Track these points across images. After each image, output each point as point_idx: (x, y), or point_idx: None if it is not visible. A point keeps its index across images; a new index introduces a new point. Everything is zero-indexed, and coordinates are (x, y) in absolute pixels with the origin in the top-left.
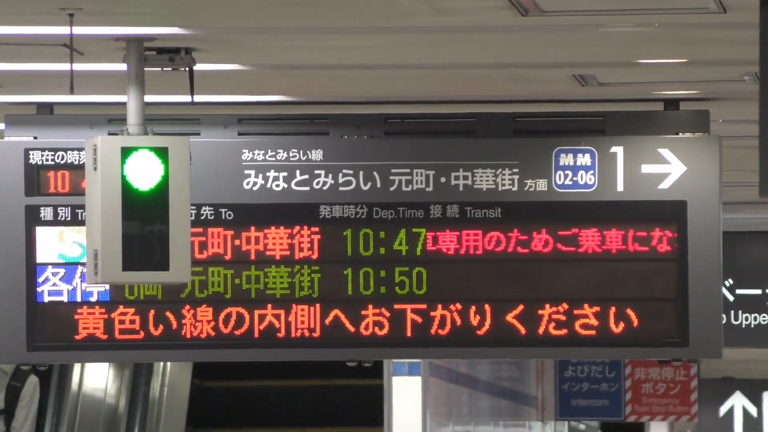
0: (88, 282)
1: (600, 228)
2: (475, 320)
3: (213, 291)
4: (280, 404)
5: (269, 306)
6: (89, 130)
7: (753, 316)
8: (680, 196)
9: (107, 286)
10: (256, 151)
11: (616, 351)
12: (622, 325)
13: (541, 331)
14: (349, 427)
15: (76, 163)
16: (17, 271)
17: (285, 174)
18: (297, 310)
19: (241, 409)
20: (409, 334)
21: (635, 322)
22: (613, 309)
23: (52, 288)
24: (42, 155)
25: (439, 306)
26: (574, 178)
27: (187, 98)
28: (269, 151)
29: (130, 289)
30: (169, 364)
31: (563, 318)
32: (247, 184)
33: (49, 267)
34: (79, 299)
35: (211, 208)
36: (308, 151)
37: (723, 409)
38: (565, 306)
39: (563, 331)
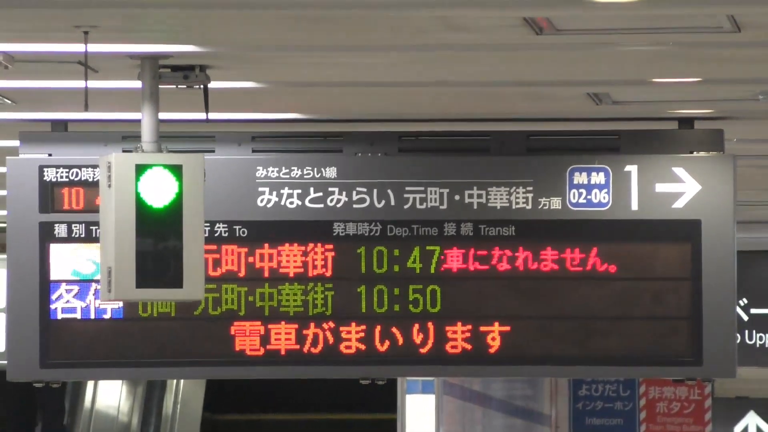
0: (101, 299)
1: (614, 247)
2: (489, 338)
3: (226, 308)
4: None
5: (283, 322)
6: (104, 147)
7: (767, 335)
8: (694, 215)
9: (121, 304)
10: (270, 169)
11: (631, 370)
12: (636, 343)
13: (555, 349)
14: None
15: (91, 180)
16: (31, 288)
17: (299, 191)
18: (311, 328)
19: None
20: (423, 351)
21: (649, 341)
22: (627, 327)
23: (65, 305)
24: (56, 172)
25: (454, 324)
26: (588, 197)
27: (201, 115)
28: (283, 168)
29: (143, 307)
30: (182, 381)
31: (577, 336)
32: (261, 201)
33: (63, 284)
34: (92, 316)
35: (225, 225)
36: (322, 169)
37: (737, 429)
38: (579, 324)
39: (577, 350)
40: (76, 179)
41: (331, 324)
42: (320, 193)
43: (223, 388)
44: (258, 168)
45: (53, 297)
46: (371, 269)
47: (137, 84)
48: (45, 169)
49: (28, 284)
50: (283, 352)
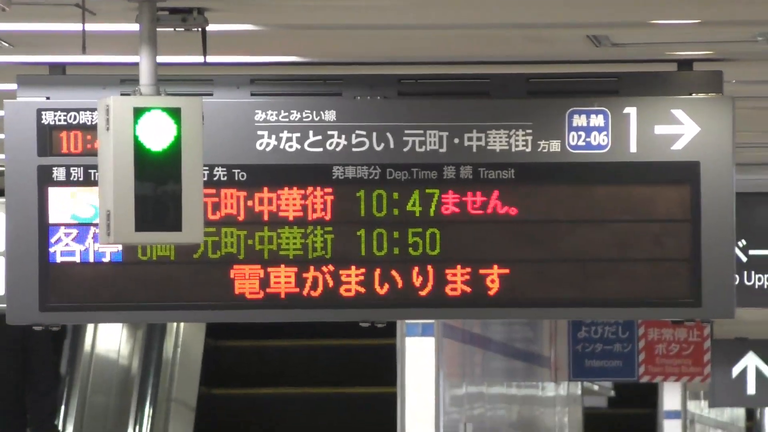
0: (100, 242)
1: (613, 189)
2: (488, 281)
3: (226, 252)
4: (295, 364)
5: (282, 266)
6: (102, 90)
7: (766, 276)
8: (693, 156)
9: (120, 247)
10: (269, 112)
11: (630, 311)
12: (635, 285)
13: (554, 291)
14: (364, 387)
15: (89, 123)
16: (30, 232)
17: (298, 135)
18: (310, 271)
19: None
20: (422, 294)
21: (648, 283)
22: (626, 269)
23: (64, 248)
24: (54, 115)
25: (453, 267)
26: (588, 139)
27: (199, 59)
28: (282, 111)
29: (142, 250)
30: (182, 324)
31: (576, 278)
32: (260, 144)
33: (62, 227)
34: (91, 260)
35: (224, 169)
36: (321, 112)
37: (736, 370)
38: (578, 266)
39: (576, 292)
40: (74, 122)
41: (331, 267)
42: (319, 137)
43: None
44: (257, 111)
45: (52, 240)
46: (371, 213)
47: (135, 27)
48: (43, 113)
49: (27, 228)
50: (282, 296)
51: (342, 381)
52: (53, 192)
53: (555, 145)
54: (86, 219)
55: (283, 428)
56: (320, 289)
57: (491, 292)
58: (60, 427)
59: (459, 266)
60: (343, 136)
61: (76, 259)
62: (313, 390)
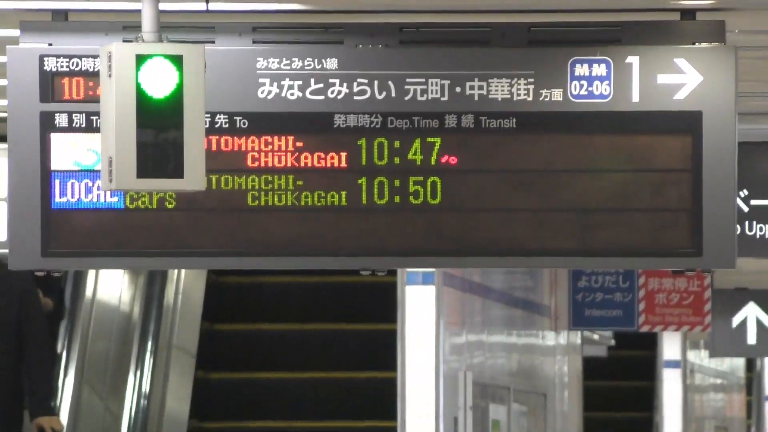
0: (102, 189)
1: (615, 138)
2: (489, 229)
3: (229, 199)
4: (296, 300)
5: (284, 214)
6: (104, 37)
7: (767, 226)
8: (696, 106)
9: (122, 194)
10: (271, 60)
11: (630, 261)
12: (635, 235)
13: (554, 240)
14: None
15: (91, 70)
16: (32, 178)
17: (300, 83)
18: (311, 219)
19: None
20: (423, 243)
21: (649, 232)
22: (626, 219)
23: (66, 194)
24: (57, 62)
25: (453, 215)
26: (590, 89)
27: (202, 6)
28: (284, 59)
29: (144, 196)
30: (182, 272)
31: (577, 228)
32: (262, 92)
33: (64, 174)
34: (93, 206)
35: (226, 117)
36: (323, 60)
37: (736, 320)
38: (579, 216)
39: (577, 241)
40: (76, 69)
41: (331, 215)
42: (321, 85)
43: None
44: (259, 59)
45: (54, 186)
46: (372, 161)
47: None
48: (45, 59)
49: (29, 174)
50: (283, 243)
51: (342, 318)
52: (55, 138)
53: (557, 95)
54: (88, 165)
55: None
56: (320, 236)
57: (492, 241)
58: (61, 374)
59: (459, 215)
60: (345, 84)
61: (78, 205)
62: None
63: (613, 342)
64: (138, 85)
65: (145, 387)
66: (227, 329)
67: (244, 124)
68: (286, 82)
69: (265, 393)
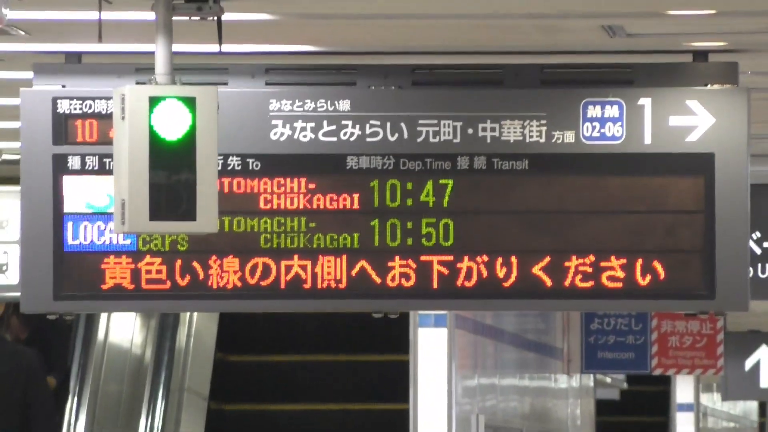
0: (115, 231)
1: (627, 180)
2: (501, 272)
3: (244, 241)
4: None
5: (296, 257)
6: (117, 79)
7: None
8: (708, 148)
9: (135, 236)
10: (284, 101)
11: (643, 303)
12: (648, 277)
13: (567, 283)
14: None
15: (104, 112)
16: (44, 220)
17: (312, 124)
18: (323, 261)
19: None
20: (435, 285)
21: (662, 275)
22: (639, 261)
23: (79, 237)
24: (70, 104)
25: (466, 258)
26: (602, 130)
27: (215, 48)
28: (297, 101)
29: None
30: (195, 315)
31: (590, 270)
32: (275, 134)
33: (77, 216)
34: (106, 249)
35: (239, 158)
36: (336, 102)
37: (749, 363)
38: (592, 258)
39: (590, 284)
40: (89, 111)
41: (344, 258)
42: (333, 127)
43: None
44: (271, 101)
45: (67, 229)
46: (384, 203)
47: (151, 16)
48: (59, 101)
49: (42, 216)
50: (292, 286)
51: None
52: (68, 180)
53: (569, 136)
54: (101, 208)
55: (296, 391)
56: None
57: (505, 284)
58: (73, 416)
59: (472, 257)
60: (357, 126)
61: (91, 248)
62: (326, 357)
63: (625, 385)
64: (151, 128)
65: (157, 430)
66: (240, 360)
67: (256, 166)
68: (299, 124)
69: (279, 423)
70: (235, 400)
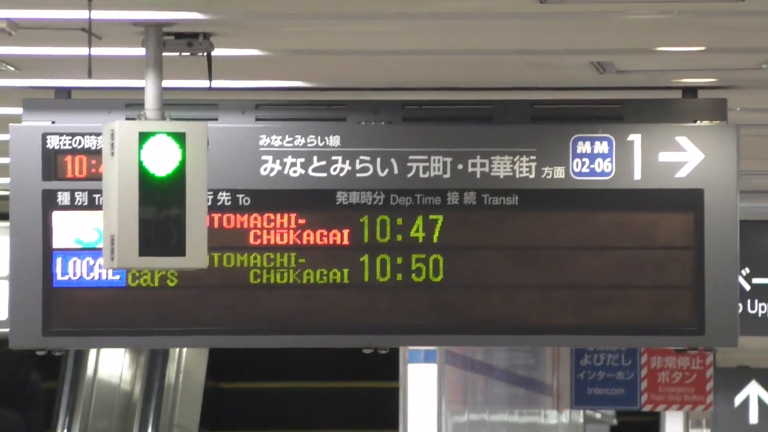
0: (104, 267)
1: (617, 216)
2: (491, 307)
3: (231, 277)
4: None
5: (285, 291)
6: (107, 114)
7: None
8: (697, 184)
9: (124, 272)
10: (274, 137)
11: (632, 339)
12: (638, 312)
13: (557, 318)
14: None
15: (94, 148)
16: (34, 256)
17: (302, 160)
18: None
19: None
20: (425, 321)
21: (651, 310)
22: (629, 296)
23: (68, 273)
24: (59, 140)
25: (456, 293)
26: (592, 166)
27: (205, 83)
28: (287, 136)
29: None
30: (184, 350)
31: (579, 306)
32: (265, 170)
33: (66, 252)
34: (95, 284)
35: (228, 194)
36: (326, 137)
37: (739, 399)
38: (581, 293)
39: (579, 319)
40: (79, 147)
41: (335, 293)
42: (323, 162)
43: (227, 356)
44: (261, 136)
45: (56, 264)
46: (374, 238)
47: (141, 51)
48: (48, 137)
49: (31, 252)
50: (286, 321)
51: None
52: (57, 216)
53: (559, 172)
54: (90, 243)
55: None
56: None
57: (495, 319)
58: None
59: (462, 292)
60: (347, 162)
61: (80, 283)
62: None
63: (615, 421)
64: (140, 163)
65: None
66: (231, 387)
67: (246, 201)
68: (289, 160)
69: None
70: (227, 428)
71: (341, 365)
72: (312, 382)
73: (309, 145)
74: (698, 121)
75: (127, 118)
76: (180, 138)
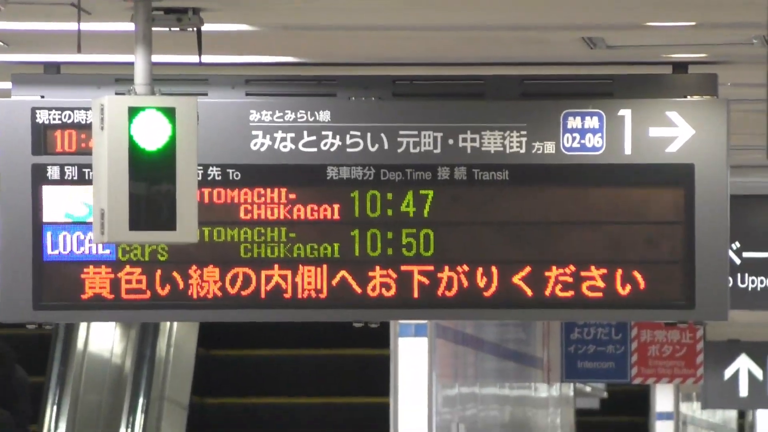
0: (94, 241)
1: (607, 191)
2: (482, 282)
3: (222, 251)
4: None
5: (276, 267)
6: (96, 89)
7: (759, 279)
8: (688, 159)
9: (114, 246)
10: (264, 112)
11: (623, 313)
12: (628, 287)
13: (547, 292)
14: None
15: (83, 122)
16: (24, 230)
17: (292, 135)
18: (304, 271)
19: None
20: (416, 295)
21: (642, 285)
22: (619, 271)
23: (58, 247)
24: (49, 114)
25: (446, 268)
26: (582, 141)
27: (195, 59)
28: (277, 111)
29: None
30: (175, 324)
31: (570, 280)
32: (255, 144)
33: (56, 226)
34: (85, 259)
35: (219, 169)
36: (316, 113)
37: (728, 372)
38: (572, 268)
39: (570, 293)
40: (68, 121)
41: (325, 267)
42: (314, 137)
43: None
44: (251, 111)
45: (46, 239)
46: (365, 213)
47: (130, 26)
48: (37, 111)
49: (21, 226)
50: (272, 295)
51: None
52: (47, 191)
53: (549, 147)
54: (80, 218)
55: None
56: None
57: (485, 293)
58: (52, 426)
59: (453, 267)
60: (338, 137)
61: (70, 257)
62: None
63: (605, 394)
64: (131, 138)
65: None
66: (223, 354)
67: (236, 176)
68: (279, 135)
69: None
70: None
71: (332, 332)
72: (303, 349)
73: (299, 120)
74: (689, 96)
75: (116, 93)
76: (170, 113)
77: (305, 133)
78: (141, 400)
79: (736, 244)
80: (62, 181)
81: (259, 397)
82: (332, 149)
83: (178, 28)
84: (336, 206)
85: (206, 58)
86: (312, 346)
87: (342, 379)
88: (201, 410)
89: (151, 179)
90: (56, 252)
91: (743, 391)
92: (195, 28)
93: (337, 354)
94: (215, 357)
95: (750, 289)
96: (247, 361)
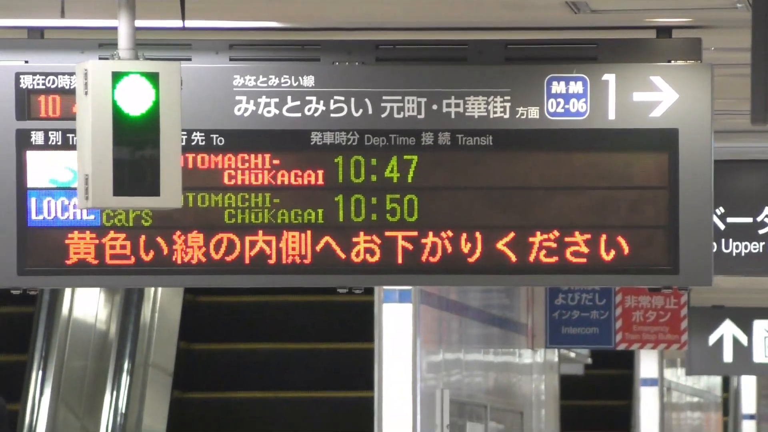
0: (79, 207)
1: (591, 156)
2: (466, 248)
3: (207, 217)
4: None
5: (260, 232)
6: (80, 54)
7: (744, 244)
8: (672, 124)
9: (98, 212)
10: (248, 77)
11: (607, 278)
12: (612, 252)
13: (531, 258)
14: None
15: (67, 87)
16: (8, 196)
17: (276, 100)
18: (288, 237)
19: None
20: (400, 261)
21: (626, 250)
22: (603, 237)
23: (42, 212)
24: (33, 79)
25: (430, 233)
26: (566, 106)
27: (178, 23)
28: (261, 77)
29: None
30: (159, 289)
31: (554, 245)
32: (239, 110)
33: (40, 191)
34: (69, 224)
35: (202, 134)
36: (300, 78)
37: (713, 338)
38: (556, 233)
39: (554, 259)
40: (52, 86)
41: (309, 233)
42: (298, 102)
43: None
44: (235, 77)
45: (30, 204)
46: (349, 179)
47: None
48: (21, 76)
49: (5, 192)
50: (255, 261)
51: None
52: (31, 156)
53: (533, 112)
54: (64, 183)
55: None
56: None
57: (470, 259)
58: (38, 392)
59: (437, 233)
60: (322, 102)
61: (55, 223)
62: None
63: (589, 360)
64: (114, 103)
65: (122, 405)
66: (204, 348)
67: (220, 141)
68: (263, 100)
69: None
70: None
71: (316, 326)
72: (286, 343)
73: (283, 85)
74: (673, 61)
75: (100, 58)
76: (153, 78)
77: (289, 98)
78: (126, 366)
79: (720, 210)
80: (46, 146)
81: (245, 343)
82: (316, 114)
83: None
84: (320, 172)
85: (190, 23)
86: (295, 341)
87: (326, 373)
88: (180, 405)
89: (134, 144)
90: (41, 217)
91: (727, 357)
92: None
93: (320, 348)
94: (194, 351)
95: (734, 254)
96: (227, 356)
